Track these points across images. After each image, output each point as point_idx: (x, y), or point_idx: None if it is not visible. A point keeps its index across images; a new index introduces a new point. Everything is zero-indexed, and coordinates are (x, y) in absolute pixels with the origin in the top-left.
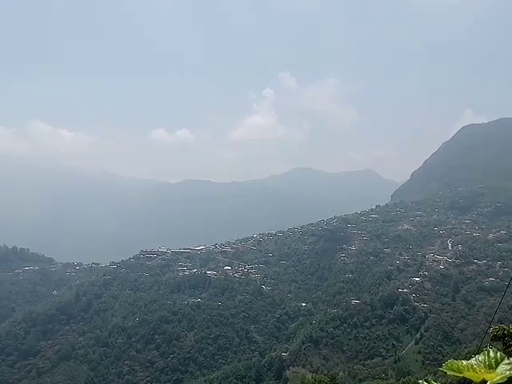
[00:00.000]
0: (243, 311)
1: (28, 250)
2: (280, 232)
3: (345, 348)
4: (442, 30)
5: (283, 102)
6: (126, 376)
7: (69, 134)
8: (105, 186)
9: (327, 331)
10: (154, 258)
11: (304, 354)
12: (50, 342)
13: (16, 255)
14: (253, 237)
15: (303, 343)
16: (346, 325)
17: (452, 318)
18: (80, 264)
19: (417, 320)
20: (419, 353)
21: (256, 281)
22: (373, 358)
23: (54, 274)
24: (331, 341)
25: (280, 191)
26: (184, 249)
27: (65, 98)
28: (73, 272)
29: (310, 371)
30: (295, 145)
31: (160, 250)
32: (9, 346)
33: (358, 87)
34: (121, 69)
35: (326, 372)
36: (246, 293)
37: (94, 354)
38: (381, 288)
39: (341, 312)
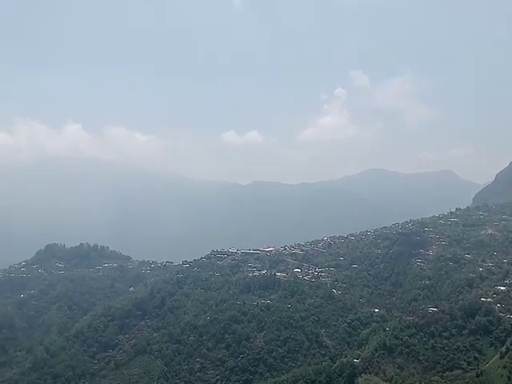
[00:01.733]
0: (313, 314)
1: (107, 248)
2: (352, 235)
3: (421, 358)
4: None
5: (355, 102)
6: (198, 373)
7: (143, 137)
8: (177, 187)
9: (402, 339)
10: (225, 258)
11: (377, 361)
12: (126, 336)
13: (97, 253)
14: (323, 239)
15: (376, 350)
16: (422, 333)
17: None
18: (155, 262)
19: (502, 332)
20: (504, 367)
21: (326, 284)
22: (452, 371)
23: (130, 271)
24: (406, 349)
25: (352, 193)
26: (254, 250)
27: (139, 102)
28: (148, 270)
29: (384, 380)
30: (367, 145)
31: (230, 250)
32: (90, 338)
33: (433, 84)
34: (192, 72)
35: (400, 382)
36: (316, 296)
37: (167, 349)
38: (461, 296)
39: (417, 320)
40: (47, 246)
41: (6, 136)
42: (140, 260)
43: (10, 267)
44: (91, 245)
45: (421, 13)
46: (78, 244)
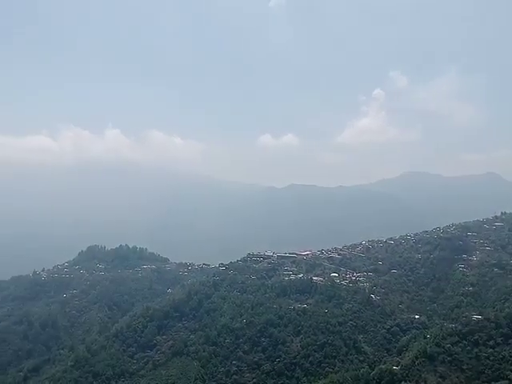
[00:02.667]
0: (351, 320)
1: (146, 249)
2: (391, 239)
3: (464, 367)
4: None
5: (394, 103)
6: (234, 376)
7: (181, 141)
8: (213, 191)
9: (444, 347)
10: (261, 261)
11: (418, 369)
12: (164, 337)
13: (135, 254)
14: (361, 243)
15: (417, 358)
16: (465, 342)
17: None
18: (192, 264)
19: None
20: None
21: (364, 289)
22: (497, 381)
23: (168, 273)
24: (448, 358)
25: (390, 196)
26: (290, 253)
27: (177, 107)
28: (185, 272)
29: None
30: (407, 147)
31: (266, 253)
32: (129, 338)
33: (476, 84)
34: (228, 75)
35: None
36: (354, 301)
37: (204, 351)
38: (507, 304)
39: (460, 327)
40: (88, 248)
41: (51, 142)
42: (177, 262)
43: (53, 267)
44: (130, 246)
45: (463, 9)
46: (117, 245)
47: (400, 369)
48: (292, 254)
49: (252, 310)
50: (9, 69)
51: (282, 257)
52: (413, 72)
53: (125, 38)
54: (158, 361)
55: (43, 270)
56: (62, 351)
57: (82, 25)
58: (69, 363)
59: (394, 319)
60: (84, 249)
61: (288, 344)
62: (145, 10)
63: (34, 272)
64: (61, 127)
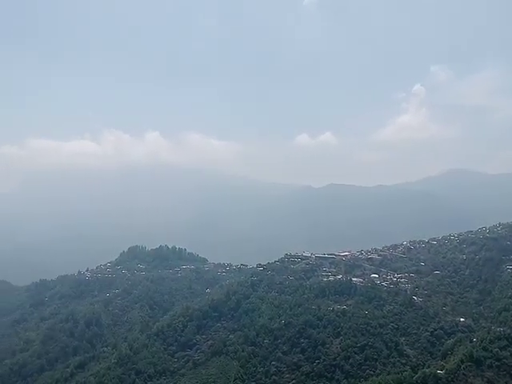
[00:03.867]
0: (392, 322)
1: (185, 250)
2: (433, 239)
3: None
4: None
5: (435, 99)
6: (273, 376)
7: (218, 142)
8: (251, 191)
9: (492, 351)
10: (299, 262)
11: (463, 374)
12: (203, 336)
13: (175, 255)
14: (402, 244)
15: (462, 362)
16: None
17: None
18: (230, 265)
19: None
20: None
21: (406, 291)
22: None
23: (207, 274)
24: (496, 362)
25: (432, 195)
26: (328, 254)
27: (213, 109)
28: (223, 272)
29: None
30: (450, 144)
31: (304, 254)
32: (170, 337)
33: None
34: (264, 76)
35: None
36: (395, 303)
37: (243, 351)
38: None
39: (508, 331)
40: (130, 248)
41: (95, 146)
42: (215, 262)
43: (96, 268)
44: (170, 247)
45: (505, 1)
46: (157, 246)
47: (445, 373)
48: (330, 254)
49: (290, 310)
50: (51, 75)
51: (321, 257)
52: (454, 67)
53: (162, 42)
54: (198, 360)
55: (87, 270)
56: (105, 349)
57: (122, 29)
58: (112, 360)
59: (438, 322)
60: (125, 249)
61: (327, 345)
62: (180, 13)
63: (79, 272)
64: (103, 131)
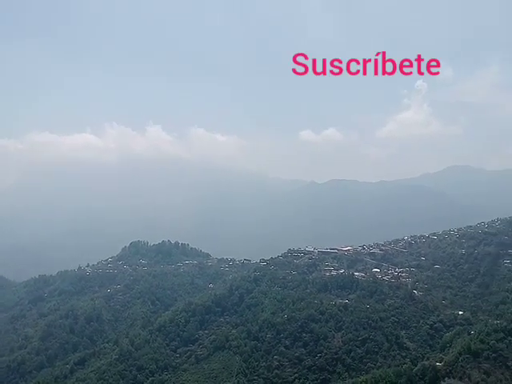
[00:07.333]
0: (393, 315)
1: (188, 245)
2: (434, 234)
3: (510, 364)
4: None
5: (437, 95)
6: (276, 370)
7: (222, 137)
8: (255, 186)
9: (489, 343)
10: (302, 256)
11: (461, 366)
12: (206, 331)
13: (178, 250)
14: (403, 239)
15: (460, 354)
16: (510, 338)
17: None
18: (233, 260)
19: None
20: None
21: (407, 285)
22: None
23: (210, 269)
24: (493, 354)
25: (434, 191)
26: (331, 249)
27: (217, 104)
28: (226, 267)
29: None
30: (451, 140)
31: (307, 249)
32: (172, 333)
33: None
34: (267, 71)
35: None
36: (396, 297)
37: (245, 346)
38: None
39: (505, 324)
40: (131, 244)
41: (96, 139)
42: (219, 257)
43: (98, 263)
44: (172, 242)
45: None
46: (160, 241)
47: (443, 365)
48: (333, 249)
49: (293, 305)
50: (53, 68)
51: (323, 252)
52: (456, 63)
53: (164, 36)
54: (201, 355)
55: (88, 266)
56: (106, 345)
57: (124, 23)
58: (113, 356)
59: (438, 315)
60: (127, 245)
61: (329, 339)
62: (183, 6)
63: (79, 267)
64: (104, 125)
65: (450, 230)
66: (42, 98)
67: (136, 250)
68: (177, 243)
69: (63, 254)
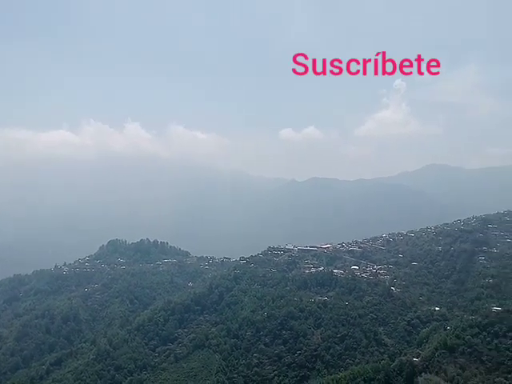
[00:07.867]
0: (371, 312)
1: (167, 243)
2: (411, 232)
3: (484, 358)
4: None
5: (416, 94)
6: (255, 368)
7: (202, 135)
8: (235, 184)
9: (464, 339)
10: (281, 254)
11: (438, 361)
12: (185, 330)
13: (157, 248)
14: (382, 236)
15: (436, 349)
16: (485, 333)
17: None
18: (213, 258)
19: None
20: None
21: (385, 282)
22: None
23: (189, 267)
24: (468, 349)
25: (412, 189)
26: (310, 247)
27: (196, 102)
28: (206, 265)
29: (445, 380)
30: (429, 139)
31: (287, 247)
32: (151, 332)
33: (501, 75)
34: (249, 71)
35: (462, 382)
36: (375, 294)
37: (225, 344)
38: None
39: (480, 319)
40: (109, 242)
41: (73, 136)
42: (198, 256)
43: (75, 262)
44: (151, 240)
45: None
46: (138, 239)
47: (420, 360)
48: (312, 247)
49: (273, 302)
50: (29, 63)
51: (303, 250)
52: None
53: (143, 33)
54: (180, 354)
55: (64, 265)
56: (83, 345)
57: (103, 20)
58: (91, 356)
59: (415, 311)
60: (105, 243)
61: (309, 336)
62: (166, 4)
63: (56, 266)
64: (81, 121)
65: (427, 228)
66: (17, 94)
67: (114, 248)
68: (156, 241)
69: (39, 253)
